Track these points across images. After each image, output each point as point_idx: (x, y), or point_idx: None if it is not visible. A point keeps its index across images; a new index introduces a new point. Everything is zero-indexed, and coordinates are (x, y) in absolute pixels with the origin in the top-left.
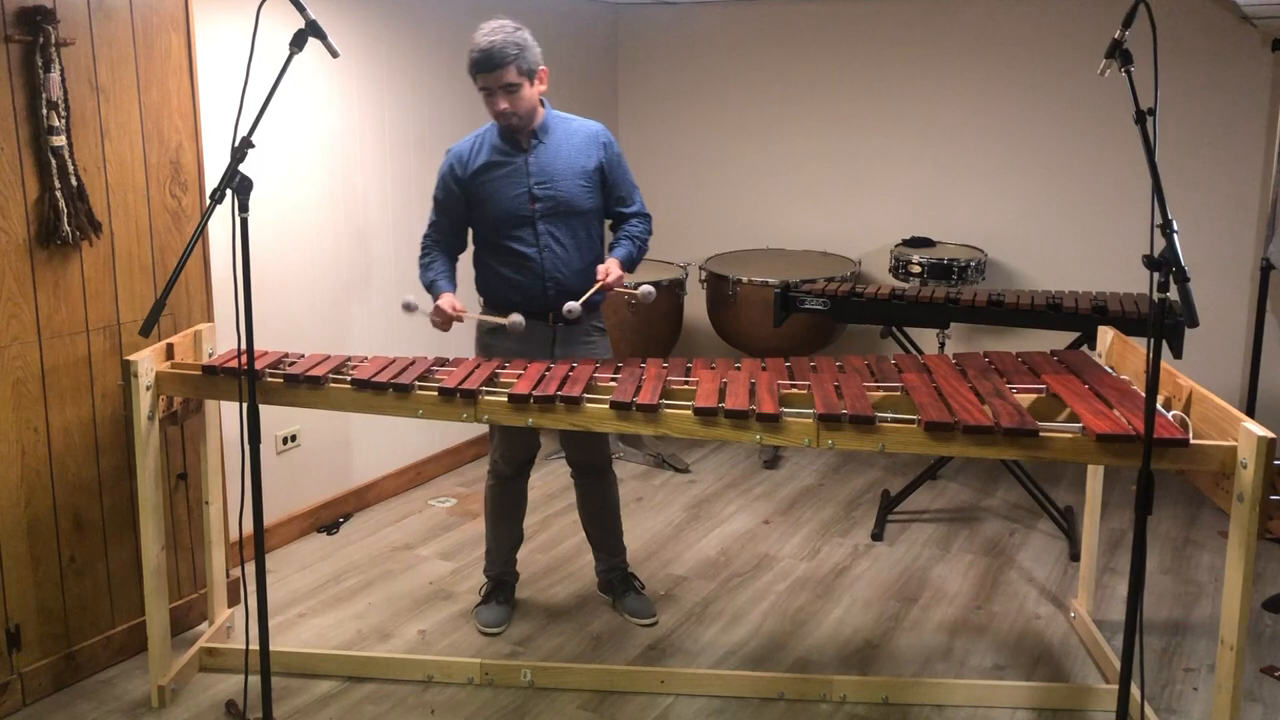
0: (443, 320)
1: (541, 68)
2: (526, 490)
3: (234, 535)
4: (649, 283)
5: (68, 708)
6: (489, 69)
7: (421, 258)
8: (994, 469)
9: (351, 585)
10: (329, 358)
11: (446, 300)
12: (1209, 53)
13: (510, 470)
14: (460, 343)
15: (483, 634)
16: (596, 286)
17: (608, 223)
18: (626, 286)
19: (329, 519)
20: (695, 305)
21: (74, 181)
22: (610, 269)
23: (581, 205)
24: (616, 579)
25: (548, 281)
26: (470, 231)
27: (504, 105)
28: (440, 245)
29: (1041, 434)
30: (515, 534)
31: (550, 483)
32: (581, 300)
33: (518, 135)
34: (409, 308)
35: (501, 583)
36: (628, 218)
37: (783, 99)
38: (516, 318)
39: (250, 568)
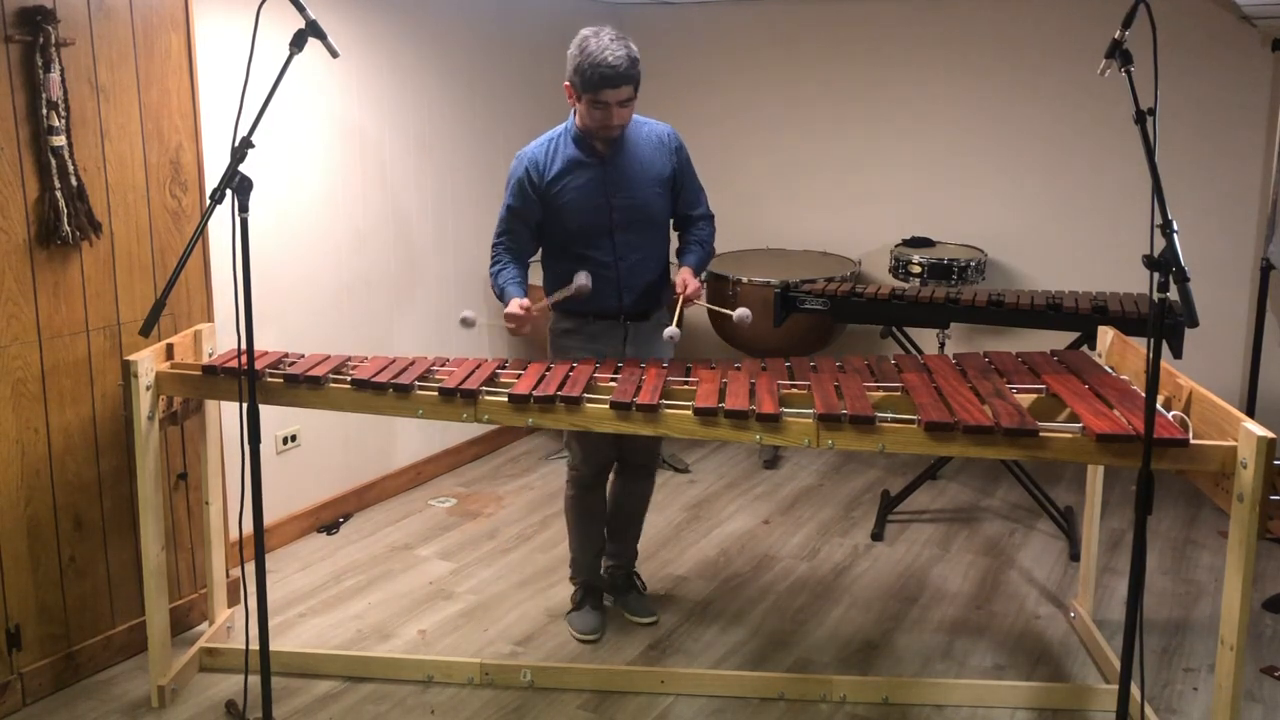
0: (516, 324)
1: None
2: (605, 496)
3: (234, 535)
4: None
5: (68, 708)
6: (617, 85)
7: (492, 266)
8: (994, 469)
9: (351, 585)
10: (329, 358)
11: (515, 305)
12: (1209, 53)
13: (592, 478)
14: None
15: (580, 641)
16: (680, 303)
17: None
18: (726, 310)
19: (329, 519)
20: (695, 305)
21: (74, 181)
22: (686, 280)
23: (657, 213)
24: (620, 577)
25: (624, 289)
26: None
27: (616, 120)
28: (512, 252)
29: (1041, 434)
30: (599, 540)
31: (550, 483)
32: (675, 321)
33: (599, 143)
34: (467, 323)
35: (591, 588)
36: (694, 220)
37: (782, 99)
38: (581, 280)
39: (250, 568)
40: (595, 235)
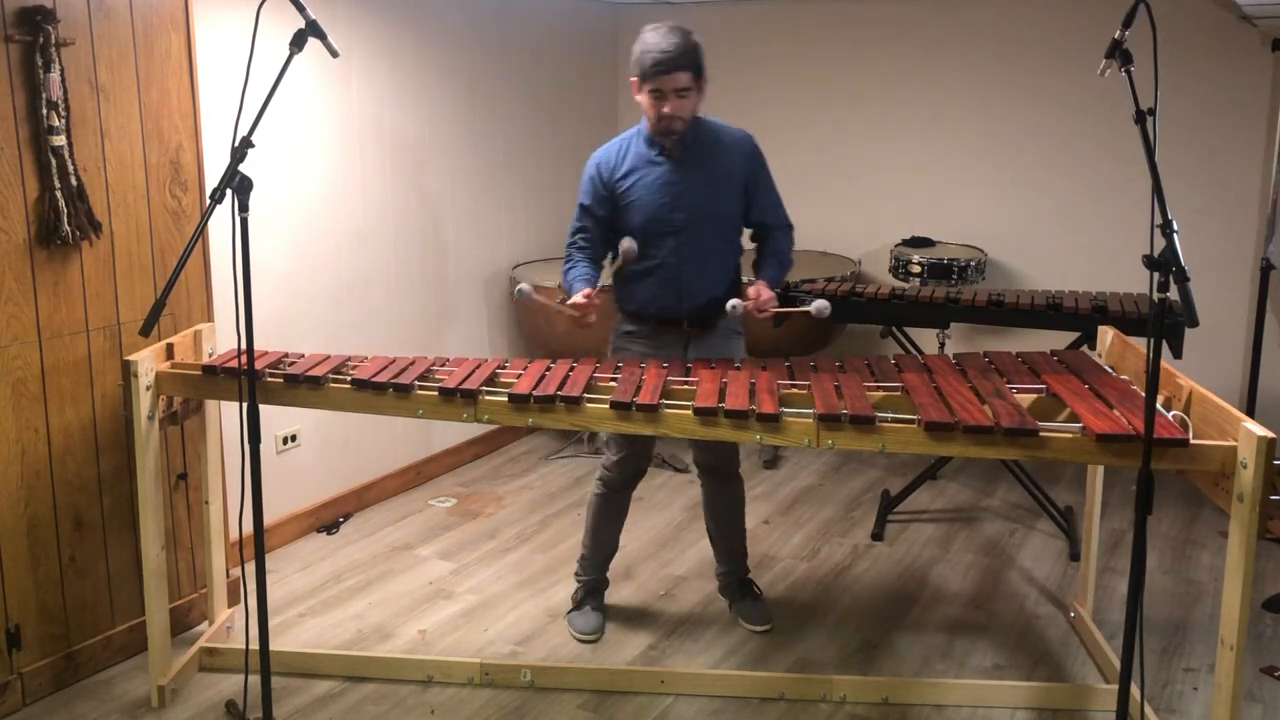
0: (581, 312)
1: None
2: (630, 501)
3: (234, 535)
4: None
5: (68, 708)
6: (668, 71)
7: (565, 263)
8: (994, 469)
9: (351, 585)
10: (329, 358)
11: (579, 295)
12: (1209, 53)
13: (623, 483)
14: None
15: (579, 641)
16: (749, 306)
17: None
18: (803, 305)
19: (329, 519)
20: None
21: (74, 181)
22: (760, 290)
23: (725, 217)
24: (734, 583)
25: (684, 292)
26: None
27: (671, 109)
28: (586, 251)
29: (1041, 434)
30: (613, 543)
31: (549, 482)
32: (732, 305)
33: (666, 141)
34: (523, 293)
35: (594, 589)
36: (771, 230)
37: (782, 99)
38: (626, 244)
39: (250, 568)
40: (660, 235)
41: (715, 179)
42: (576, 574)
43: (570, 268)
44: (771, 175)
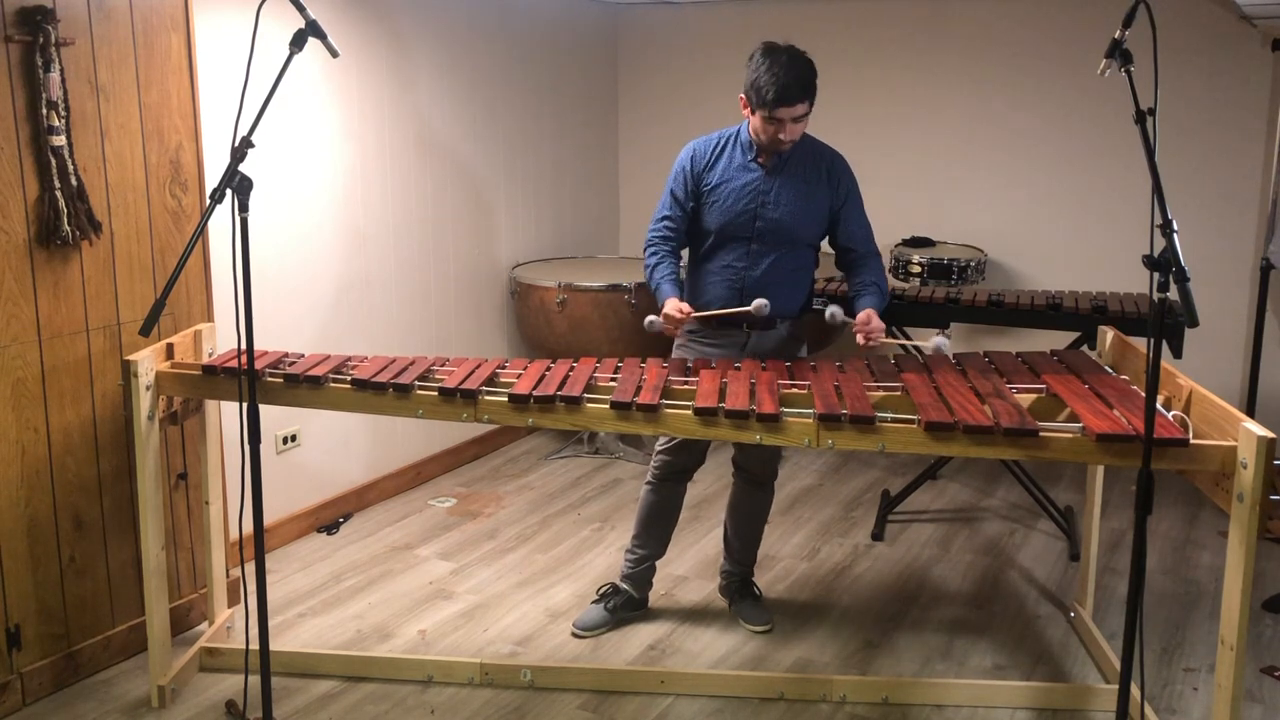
0: (673, 325)
1: None
2: (682, 500)
3: (234, 535)
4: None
5: (68, 708)
6: (792, 103)
7: (649, 255)
8: (994, 469)
9: (351, 585)
10: (329, 358)
11: (672, 305)
12: (1209, 53)
13: (672, 476)
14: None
15: (577, 636)
16: (856, 330)
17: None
18: (919, 343)
19: (329, 519)
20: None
21: (74, 181)
22: (871, 318)
23: (802, 236)
24: (736, 584)
25: (745, 293)
26: None
27: (787, 135)
28: (669, 242)
29: (1041, 434)
30: (657, 546)
31: (549, 482)
32: (831, 314)
33: (761, 153)
34: (652, 325)
35: (626, 600)
36: (861, 258)
37: None
38: (761, 302)
39: (250, 568)
40: (734, 237)
41: (803, 196)
42: (622, 575)
43: (657, 263)
44: (861, 199)
